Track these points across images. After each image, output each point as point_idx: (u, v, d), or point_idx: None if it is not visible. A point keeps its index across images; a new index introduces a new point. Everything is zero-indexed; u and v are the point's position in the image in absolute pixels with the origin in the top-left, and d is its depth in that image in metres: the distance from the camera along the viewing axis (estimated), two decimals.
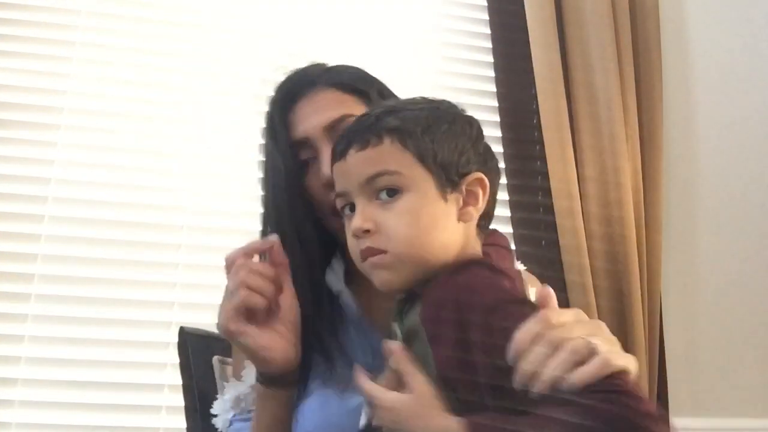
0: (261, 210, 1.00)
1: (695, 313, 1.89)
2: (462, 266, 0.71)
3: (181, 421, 1.13)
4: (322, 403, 0.87)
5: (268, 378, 0.84)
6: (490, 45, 1.90)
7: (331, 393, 0.87)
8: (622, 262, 1.70)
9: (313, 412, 0.87)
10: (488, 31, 1.92)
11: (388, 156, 0.72)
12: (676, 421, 1.92)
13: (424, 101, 0.79)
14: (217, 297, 1.63)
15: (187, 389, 1.14)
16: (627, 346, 1.66)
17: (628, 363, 0.60)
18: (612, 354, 0.59)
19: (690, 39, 2.07)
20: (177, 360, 1.16)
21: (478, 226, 0.76)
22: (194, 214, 1.66)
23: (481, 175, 0.74)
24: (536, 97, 1.81)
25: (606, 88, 1.80)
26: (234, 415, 0.94)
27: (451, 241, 0.72)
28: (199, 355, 1.15)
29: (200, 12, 1.78)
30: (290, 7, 1.83)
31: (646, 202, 1.78)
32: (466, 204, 0.74)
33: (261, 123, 1.73)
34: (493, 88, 1.87)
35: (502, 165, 1.80)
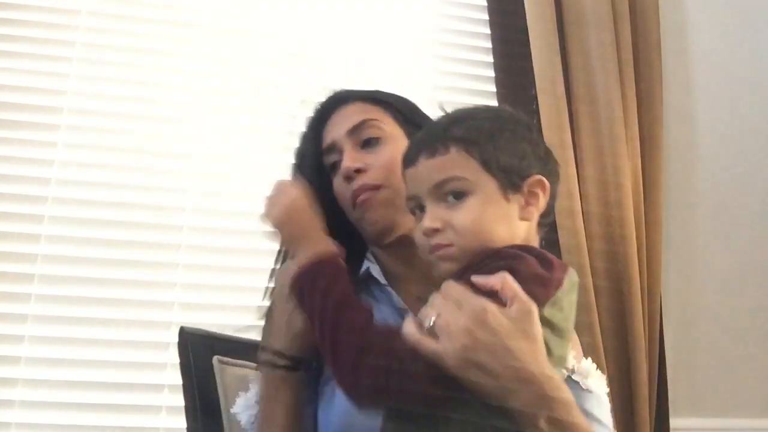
0: None
1: (695, 313, 1.90)
2: (515, 245, 0.78)
3: (181, 422, 1.13)
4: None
5: (298, 360, 0.88)
6: (490, 45, 1.90)
7: None
8: (622, 262, 1.70)
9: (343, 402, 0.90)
10: (488, 31, 1.92)
11: (455, 163, 0.79)
12: (676, 420, 1.90)
13: (487, 109, 0.88)
14: (217, 297, 1.64)
15: (187, 389, 1.13)
16: (627, 346, 1.66)
17: (436, 354, 0.68)
18: (425, 341, 0.68)
19: (690, 39, 2.07)
20: (177, 360, 1.16)
21: (539, 224, 0.83)
22: (194, 214, 1.66)
23: (541, 177, 0.81)
24: (536, 97, 1.81)
25: (606, 88, 1.80)
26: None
27: (512, 237, 0.79)
28: (200, 355, 1.14)
29: (200, 12, 1.77)
30: (290, 7, 1.83)
31: (646, 202, 1.78)
32: (527, 204, 0.80)
33: (265, 124, 1.73)
34: (493, 88, 1.87)
35: None
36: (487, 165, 0.78)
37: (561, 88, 1.80)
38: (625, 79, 1.83)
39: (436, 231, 0.78)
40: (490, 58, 1.89)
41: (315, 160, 1.04)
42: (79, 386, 1.50)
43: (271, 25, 1.81)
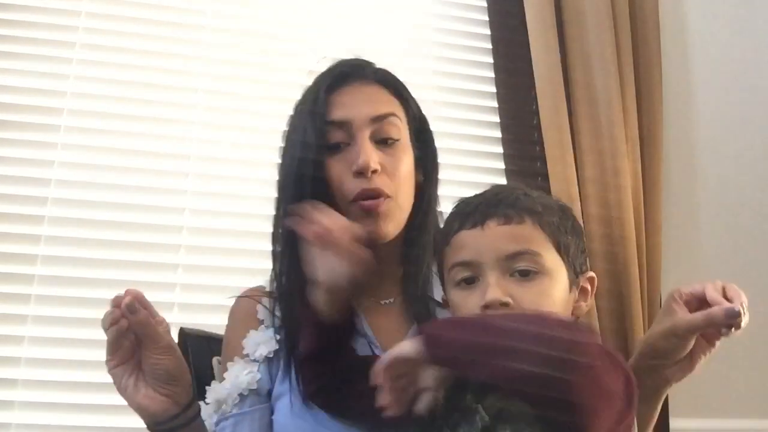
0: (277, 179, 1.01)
1: None
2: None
3: None
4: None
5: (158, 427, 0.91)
6: (489, 45, 1.90)
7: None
8: (622, 263, 1.70)
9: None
10: (488, 31, 1.91)
11: (531, 236, 0.73)
12: (676, 421, 1.89)
13: (545, 195, 0.80)
14: (218, 298, 1.63)
15: None
16: (627, 347, 1.66)
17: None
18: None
19: (690, 39, 2.07)
20: None
21: None
22: (194, 215, 1.65)
23: (593, 274, 0.78)
24: (536, 97, 1.81)
25: (606, 89, 1.79)
26: (217, 419, 0.97)
27: None
28: (199, 356, 1.15)
29: (200, 13, 1.77)
30: (289, 7, 1.83)
31: (645, 203, 1.78)
32: (579, 299, 0.78)
33: (265, 125, 1.72)
34: (492, 88, 1.87)
35: (502, 166, 1.80)
36: (559, 248, 0.74)
37: (561, 89, 1.80)
38: (625, 79, 1.83)
39: (504, 305, 0.70)
40: (490, 59, 1.89)
41: (318, 124, 0.94)
42: (80, 387, 1.50)
43: (269, 26, 1.81)
